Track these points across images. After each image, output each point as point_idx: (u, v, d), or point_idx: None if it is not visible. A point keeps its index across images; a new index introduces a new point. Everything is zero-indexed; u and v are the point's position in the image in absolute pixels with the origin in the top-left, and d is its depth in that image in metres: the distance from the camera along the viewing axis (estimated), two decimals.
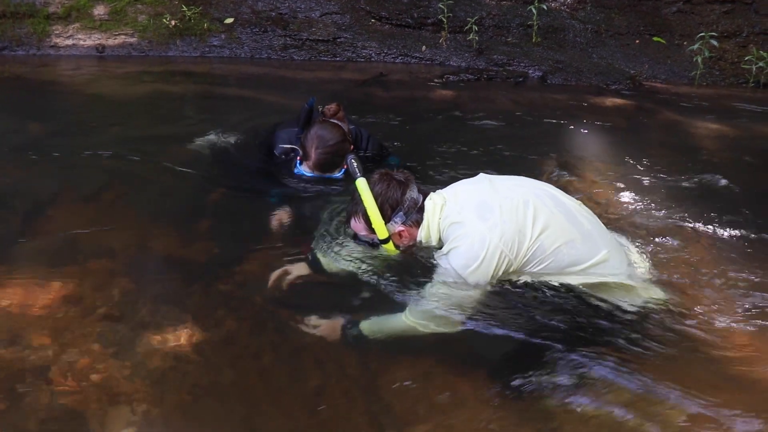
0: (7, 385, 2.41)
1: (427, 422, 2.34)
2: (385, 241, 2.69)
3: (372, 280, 2.87)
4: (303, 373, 2.55)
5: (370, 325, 2.62)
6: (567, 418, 2.32)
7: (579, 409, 2.34)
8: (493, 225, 2.50)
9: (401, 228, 2.68)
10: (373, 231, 2.68)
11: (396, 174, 2.72)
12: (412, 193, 2.67)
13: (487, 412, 2.37)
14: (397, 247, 2.74)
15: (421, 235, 2.68)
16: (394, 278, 2.85)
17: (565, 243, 2.56)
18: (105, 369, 2.50)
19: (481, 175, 2.78)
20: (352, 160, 2.82)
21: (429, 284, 2.66)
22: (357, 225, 2.76)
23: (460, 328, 2.59)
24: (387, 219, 2.65)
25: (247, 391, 2.47)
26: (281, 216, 3.45)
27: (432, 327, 2.58)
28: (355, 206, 2.71)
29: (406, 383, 2.48)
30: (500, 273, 2.55)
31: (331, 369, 2.55)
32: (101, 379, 2.45)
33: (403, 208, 2.65)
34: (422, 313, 2.61)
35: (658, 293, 2.71)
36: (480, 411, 2.37)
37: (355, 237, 2.86)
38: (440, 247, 2.67)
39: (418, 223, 2.68)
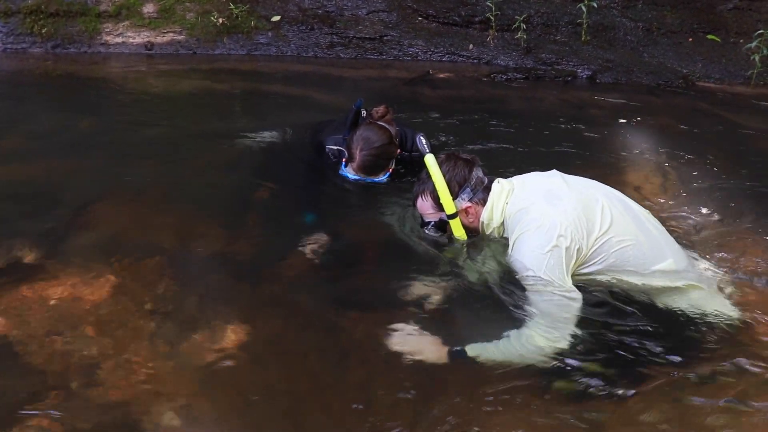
0: (58, 379, 2.44)
1: (472, 425, 2.29)
2: (453, 216, 2.69)
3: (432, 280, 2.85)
4: (350, 373, 2.53)
5: (480, 352, 2.42)
6: (614, 425, 2.27)
7: (627, 417, 2.28)
8: (562, 210, 2.47)
9: (468, 204, 2.69)
10: (440, 209, 2.70)
11: (462, 154, 2.77)
12: (478, 172, 2.71)
13: (538, 418, 2.32)
14: (464, 227, 2.73)
15: (484, 215, 2.67)
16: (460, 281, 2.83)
17: (632, 244, 2.50)
18: (153, 365, 2.52)
19: (554, 171, 2.75)
20: (421, 138, 2.92)
21: (526, 303, 2.54)
22: (424, 204, 2.79)
23: (566, 344, 2.42)
24: (455, 195, 2.67)
25: (294, 391, 2.46)
26: (316, 243, 3.25)
27: (543, 345, 2.39)
28: (423, 185, 2.76)
29: (453, 386, 2.44)
30: (573, 261, 2.46)
31: (378, 370, 2.52)
32: (149, 375, 2.47)
33: (470, 185, 2.68)
34: (532, 335, 2.43)
35: (727, 307, 2.61)
36: (527, 416, 2.32)
37: (423, 224, 2.87)
38: (504, 238, 2.65)
39: (484, 201, 2.68)
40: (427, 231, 2.88)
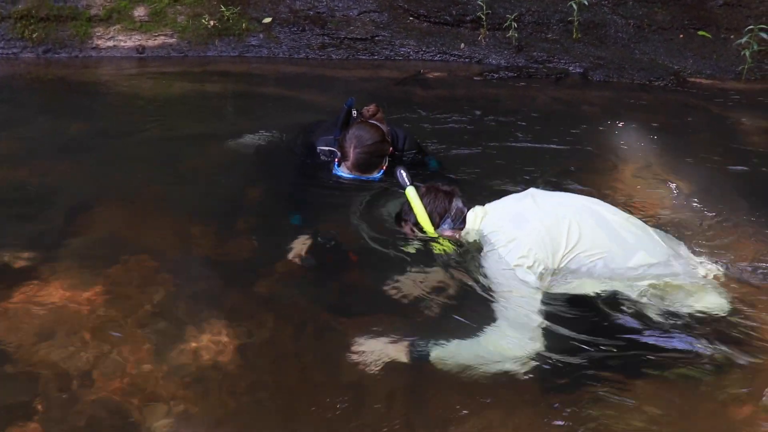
0: (51, 382, 2.45)
1: (464, 424, 2.31)
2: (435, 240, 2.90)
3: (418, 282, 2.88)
4: (342, 374, 2.53)
5: (440, 353, 2.49)
6: (606, 421, 2.29)
7: (618, 413, 2.31)
8: (527, 232, 2.62)
9: (449, 233, 2.86)
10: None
11: (442, 186, 2.91)
12: (458, 202, 2.85)
13: (524, 415, 2.35)
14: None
15: (463, 238, 2.85)
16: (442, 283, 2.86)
17: (603, 256, 2.61)
18: (146, 367, 2.53)
19: (529, 191, 2.87)
20: (401, 171, 2.95)
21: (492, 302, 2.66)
22: (407, 230, 2.97)
23: (532, 349, 2.48)
24: (436, 226, 2.84)
25: (287, 392, 2.48)
26: (300, 246, 3.21)
27: (506, 347, 2.48)
28: (406, 216, 2.92)
29: (445, 386, 2.45)
30: (537, 276, 2.58)
31: (371, 371, 2.52)
32: (143, 378, 2.48)
33: (450, 216, 2.84)
34: (497, 333, 2.53)
35: (716, 300, 2.62)
36: (517, 414, 2.35)
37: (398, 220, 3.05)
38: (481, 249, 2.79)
39: (462, 228, 2.85)
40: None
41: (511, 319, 2.54)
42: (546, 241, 2.60)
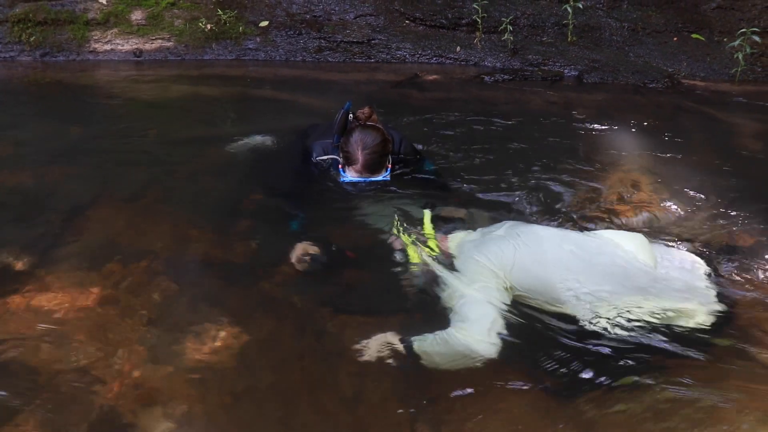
0: (49, 386, 2.45)
1: (465, 424, 2.32)
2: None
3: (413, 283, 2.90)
4: (342, 374, 2.55)
5: (420, 345, 2.58)
6: (603, 420, 2.31)
7: (614, 412, 2.33)
8: (485, 255, 2.79)
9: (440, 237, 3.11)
10: None
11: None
12: (445, 224, 3.16)
13: (524, 414, 2.36)
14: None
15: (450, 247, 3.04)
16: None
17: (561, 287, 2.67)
18: (145, 370, 2.53)
19: (505, 223, 3.08)
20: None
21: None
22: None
23: (497, 339, 2.53)
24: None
25: (286, 393, 2.48)
26: (300, 252, 3.21)
27: (470, 334, 2.54)
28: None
29: (444, 385, 2.47)
30: (495, 287, 2.69)
31: (370, 370, 2.54)
32: (142, 380, 2.48)
33: (441, 232, 3.12)
34: (460, 320, 2.60)
35: (700, 313, 2.62)
36: (517, 412, 2.36)
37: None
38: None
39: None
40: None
41: (465, 315, 2.61)
42: (499, 259, 2.75)
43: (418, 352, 2.55)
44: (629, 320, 2.53)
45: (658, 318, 2.55)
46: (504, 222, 3.11)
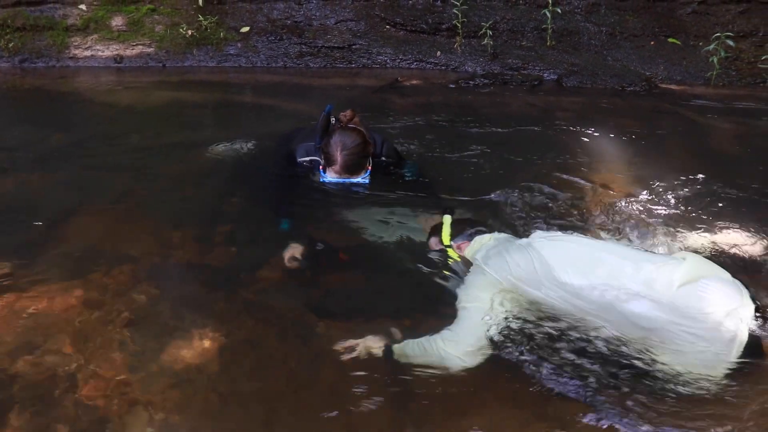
0: (31, 392, 2.44)
1: (449, 425, 2.35)
2: (449, 246, 3.13)
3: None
4: (325, 378, 2.56)
5: (397, 349, 2.62)
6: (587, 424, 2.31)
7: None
8: (492, 267, 2.76)
9: (459, 243, 3.11)
10: (442, 243, 3.16)
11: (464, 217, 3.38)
12: (471, 228, 3.14)
13: (508, 416, 2.38)
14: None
15: (466, 252, 3.04)
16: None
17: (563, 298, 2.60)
18: (128, 375, 2.52)
19: (535, 232, 2.99)
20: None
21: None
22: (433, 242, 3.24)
23: (474, 361, 2.54)
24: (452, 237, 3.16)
25: (270, 397, 2.48)
26: (293, 251, 3.26)
27: (441, 349, 2.56)
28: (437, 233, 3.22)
29: (430, 388, 2.48)
30: (502, 299, 2.67)
31: (354, 374, 2.55)
32: (124, 385, 2.47)
33: (464, 236, 3.11)
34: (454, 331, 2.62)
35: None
36: (501, 415, 2.38)
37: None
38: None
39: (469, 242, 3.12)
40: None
41: (457, 325, 2.63)
42: (507, 276, 2.70)
43: (396, 357, 2.58)
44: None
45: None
46: (535, 231, 3.00)
